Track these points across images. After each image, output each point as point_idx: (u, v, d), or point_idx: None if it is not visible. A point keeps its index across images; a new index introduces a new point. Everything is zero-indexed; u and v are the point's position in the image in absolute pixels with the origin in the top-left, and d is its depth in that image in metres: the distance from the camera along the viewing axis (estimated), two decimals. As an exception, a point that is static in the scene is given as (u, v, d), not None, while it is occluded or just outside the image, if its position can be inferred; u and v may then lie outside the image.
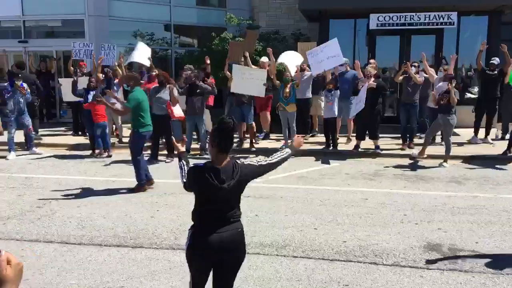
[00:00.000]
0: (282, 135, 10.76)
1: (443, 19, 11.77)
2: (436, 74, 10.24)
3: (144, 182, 7.31)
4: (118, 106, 7.93)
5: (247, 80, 9.94)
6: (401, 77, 10.23)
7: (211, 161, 3.01)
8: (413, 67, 10.05)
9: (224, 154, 2.97)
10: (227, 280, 3.12)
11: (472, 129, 10.97)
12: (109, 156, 9.86)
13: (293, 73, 10.64)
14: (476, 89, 13.00)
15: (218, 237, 2.94)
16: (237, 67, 10.24)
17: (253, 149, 10.28)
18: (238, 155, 10.07)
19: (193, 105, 9.71)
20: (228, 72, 10.68)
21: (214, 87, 10.14)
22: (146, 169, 7.44)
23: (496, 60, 10.59)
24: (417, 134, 10.73)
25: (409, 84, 10.02)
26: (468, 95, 12.94)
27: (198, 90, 9.71)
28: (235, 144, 10.67)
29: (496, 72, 10.46)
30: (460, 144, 10.42)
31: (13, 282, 1.37)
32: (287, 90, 10.17)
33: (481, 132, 10.85)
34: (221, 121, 2.97)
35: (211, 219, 3.00)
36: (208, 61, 10.92)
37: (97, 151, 9.97)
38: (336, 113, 10.16)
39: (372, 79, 9.52)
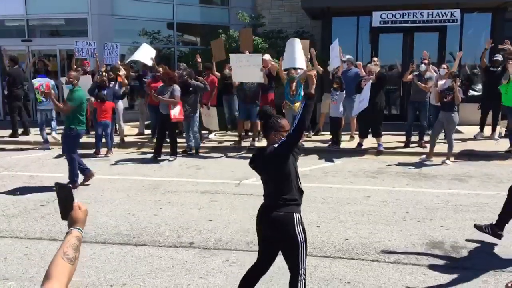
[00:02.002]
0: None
1: (446, 16, 11.74)
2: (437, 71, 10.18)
3: (77, 179, 7.52)
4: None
5: (245, 68, 9.91)
6: (410, 76, 10.18)
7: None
8: (423, 64, 10.00)
9: (267, 139, 3.43)
10: (269, 257, 3.52)
11: (475, 127, 10.97)
12: (107, 155, 9.90)
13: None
14: (479, 87, 12.96)
15: (261, 214, 3.39)
16: (233, 56, 10.21)
17: (253, 146, 10.26)
18: (235, 153, 10.10)
19: (186, 104, 9.75)
20: (217, 73, 10.73)
21: (207, 83, 10.15)
22: (83, 164, 7.69)
23: (500, 57, 10.56)
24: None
25: (420, 81, 9.94)
26: (472, 92, 12.91)
27: (190, 89, 9.74)
28: (231, 142, 10.87)
29: (500, 68, 10.43)
30: (463, 142, 10.41)
31: (82, 222, 1.85)
32: (293, 88, 10.11)
33: (487, 130, 10.84)
34: (260, 110, 3.51)
35: (263, 197, 3.46)
36: (199, 59, 11.02)
37: (102, 150, 10.00)
38: (341, 112, 10.15)
39: (374, 76, 9.50)
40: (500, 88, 9.78)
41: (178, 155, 9.74)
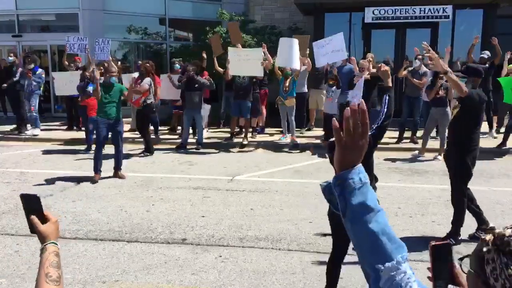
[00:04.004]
0: (277, 129, 10.73)
1: (438, 12, 11.78)
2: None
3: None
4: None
5: (244, 62, 9.89)
6: (404, 72, 10.19)
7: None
8: (417, 60, 10.01)
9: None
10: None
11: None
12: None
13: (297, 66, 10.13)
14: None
15: None
16: (232, 50, 10.20)
17: (245, 142, 10.25)
18: (228, 149, 10.09)
19: (192, 100, 9.78)
20: (220, 68, 10.66)
21: (212, 82, 10.15)
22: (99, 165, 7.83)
23: (486, 54, 10.55)
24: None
25: (415, 77, 9.96)
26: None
27: (196, 85, 9.73)
28: (223, 138, 10.87)
29: (487, 65, 10.39)
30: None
31: (55, 235, 1.74)
32: (287, 84, 10.09)
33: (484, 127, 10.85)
34: (340, 105, 3.61)
35: None
36: (205, 56, 10.92)
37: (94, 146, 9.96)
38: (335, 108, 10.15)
39: (367, 72, 9.50)
40: (501, 81, 8.98)
41: (170, 151, 9.72)
